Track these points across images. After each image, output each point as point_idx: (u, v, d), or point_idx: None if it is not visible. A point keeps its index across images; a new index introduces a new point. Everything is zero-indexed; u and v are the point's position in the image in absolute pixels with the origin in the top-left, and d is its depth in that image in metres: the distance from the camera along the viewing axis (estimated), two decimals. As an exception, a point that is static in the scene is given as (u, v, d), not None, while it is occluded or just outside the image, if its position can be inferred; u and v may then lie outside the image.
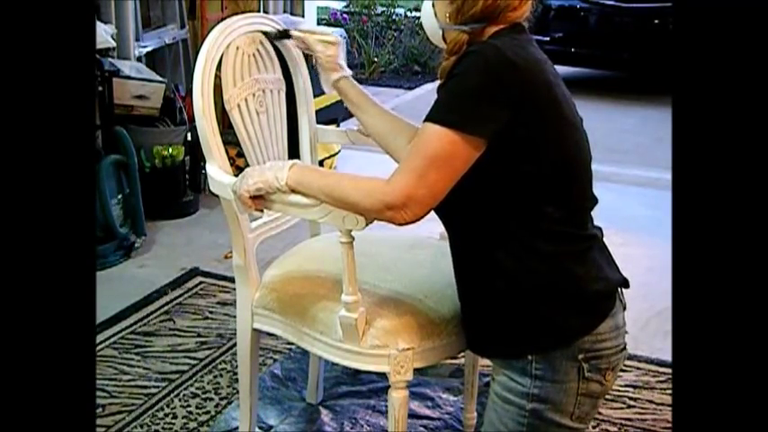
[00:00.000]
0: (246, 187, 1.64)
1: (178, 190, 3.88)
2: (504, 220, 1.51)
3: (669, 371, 2.59)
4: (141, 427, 2.30)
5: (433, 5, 1.59)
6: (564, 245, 1.52)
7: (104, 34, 3.56)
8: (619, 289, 1.59)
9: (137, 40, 4.00)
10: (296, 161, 1.68)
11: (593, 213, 1.62)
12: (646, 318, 2.87)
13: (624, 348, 1.58)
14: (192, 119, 3.45)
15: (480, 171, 1.46)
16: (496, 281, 1.53)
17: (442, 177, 1.45)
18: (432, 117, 1.45)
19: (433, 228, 1.67)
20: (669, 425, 2.34)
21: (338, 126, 3.80)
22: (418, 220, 1.49)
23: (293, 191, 1.61)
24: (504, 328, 1.55)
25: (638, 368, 2.62)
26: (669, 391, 2.50)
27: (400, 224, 1.49)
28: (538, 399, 1.52)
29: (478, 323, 1.62)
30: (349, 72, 1.95)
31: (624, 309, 1.59)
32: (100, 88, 3.45)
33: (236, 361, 2.43)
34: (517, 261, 1.51)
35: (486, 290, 1.56)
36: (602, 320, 1.52)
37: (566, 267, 1.52)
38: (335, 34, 1.99)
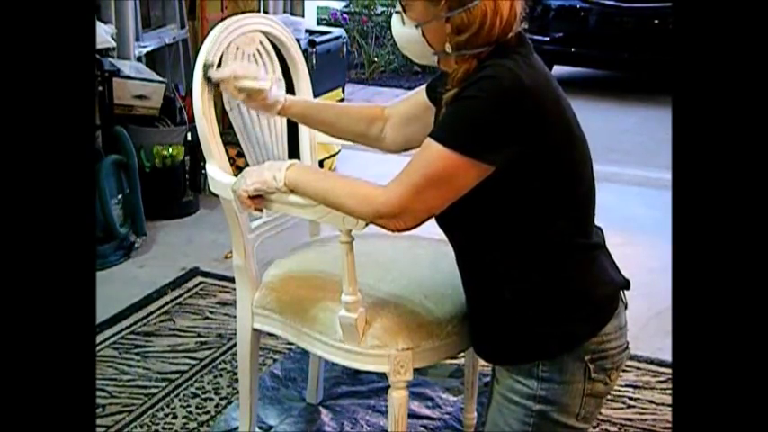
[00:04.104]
0: (245, 187, 1.64)
1: (178, 190, 3.88)
2: (513, 235, 1.51)
3: (669, 371, 2.59)
4: (141, 427, 2.30)
5: (424, 35, 1.53)
6: (573, 255, 1.53)
7: (104, 34, 3.56)
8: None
9: (137, 40, 4.00)
10: (294, 161, 1.68)
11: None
12: (646, 318, 2.87)
13: (627, 348, 1.59)
14: (191, 119, 3.45)
15: (489, 189, 1.46)
16: (505, 292, 1.53)
17: (440, 196, 1.45)
18: (439, 136, 1.43)
19: (433, 228, 1.67)
20: (669, 425, 2.33)
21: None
22: (411, 229, 1.49)
23: (291, 191, 1.61)
24: (514, 336, 1.55)
25: (638, 368, 2.62)
26: (669, 391, 2.50)
27: (393, 231, 1.50)
28: (544, 400, 1.52)
29: (487, 332, 1.62)
30: (279, 94, 1.83)
31: (626, 308, 1.59)
32: (100, 88, 3.45)
33: (236, 361, 2.42)
34: (528, 273, 1.51)
35: (494, 300, 1.56)
36: (607, 322, 1.53)
37: (575, 277, 1.53)
38: (263, 76, 1.83)
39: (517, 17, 1.49)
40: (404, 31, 1.57)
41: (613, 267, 1.60)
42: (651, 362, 2.66)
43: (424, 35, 1.53)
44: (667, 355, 2.66)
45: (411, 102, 1.80)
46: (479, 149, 1.41)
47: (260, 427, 2.28)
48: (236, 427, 2.23)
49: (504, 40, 1.48)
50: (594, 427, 2.33)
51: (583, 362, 1.51)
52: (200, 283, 3.19)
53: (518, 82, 1.41)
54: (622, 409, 2.43)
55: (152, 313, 2.94)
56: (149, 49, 4.15)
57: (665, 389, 2.53)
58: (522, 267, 1.52)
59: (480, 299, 1.61)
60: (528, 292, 1.52)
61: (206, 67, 1.82)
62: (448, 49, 1.50)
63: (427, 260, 1.92)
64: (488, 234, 1.53)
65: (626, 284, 1.59)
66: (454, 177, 1.43)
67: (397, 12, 1.57)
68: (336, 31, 5.40)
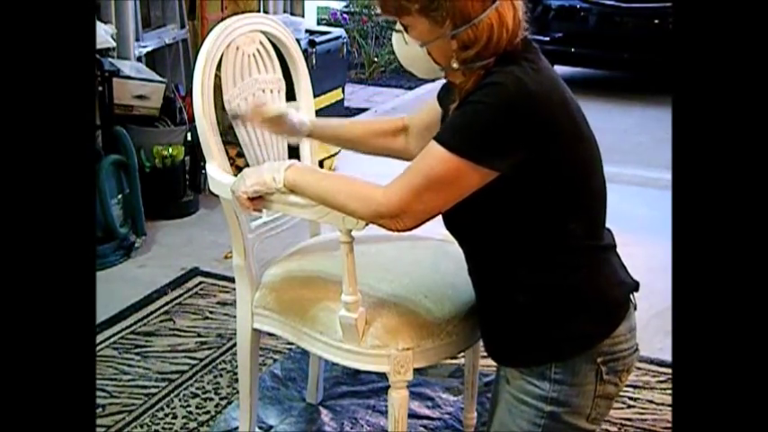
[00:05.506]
0: (244, 188, 1.64)
1: (178, 190, 3.88)
2: (527, 239, 1.50)
3: (669, 371, 2.59)
4: (141, 427, 2.30)
5: (429, 53, 1.51)
6: (586, 258, 1.53)
7: (104, 34, 3.55)
8: None
9: (137, 40, 4.00)
10: (294, 161, 1.68)
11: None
12: (646, 318, 2.86)
13: (637, 349, 1.59)
14: (191, 119, 3.45)
15: (499, 193, 1.45)
16: (519, 296, 1.53)
17: (441, 198, 1.45)
18: (442, 140, 1.43)
19: (433, 228, 1.67)
20: (669, 425, 2.33)
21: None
22: (411, 230, 1.49)
23: (290, 191, 1.61)
24: (527, 339, 1.55)
25: (639, 368, 2.62)
26: (669, 391, 2.50)
27: (393, 231, 1.50)
28: (556, 402, 1.52)
29: (500, 334, 1.62)
30: (302, 116, 1.89)
31: (635, 310, 1.59)
32: (100, 88, 3.45)
33: (236, 361, 2.42)
34: (541, 276, 1.51)
35: (507, 303, 1.56)
36: (619, 324, 1.53)
37: (588, 279, 1.53)
38: (280, 107, 1.90)
39: (521, 24, 1.48)
40: (408, 51, 1.55)
41: (623, 269, 1.60)
42: (651, 362, 2.66)
43: (429, 53, 1.51)
44: (667, 355, 2.66)
45: (427, 110, 1.79)
46: (482, 154, 1.41)
47: (260, 427, 2.28)
48: (236, 427, 2.23)
49: (516, 46, 1.47)
50: (594, 427, 2.33)
51: (595, 364, 1.51)
52: (200, 283, 3.19)
53: (523, 88, 1.40)
54: (622, 409, 2.43)
55: (152, 313, 2.94)
56: (149, 49, 4.15)
57: (665, 389, 2.53)
58: (534, 270, 1.51)
59: (492, 302, 1.60)
60: (541, 295, 1.51)
61: (232, 115, 1.88)
62: (455, 64, 1.48)
63: (427, 260, 1.92)
64: (500, 238, 1.53)
65: (636, 286, 1.60)
66: (456, 180, 1.43)
67: (397, 31, 1.55)
68: (336, 31, 5.40)
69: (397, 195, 1.45)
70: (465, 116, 1.43)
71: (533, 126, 1.41)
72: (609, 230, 1.61)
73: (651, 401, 2.48)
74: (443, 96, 1.70)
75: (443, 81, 1.67)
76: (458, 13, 1.44)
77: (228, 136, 2.03)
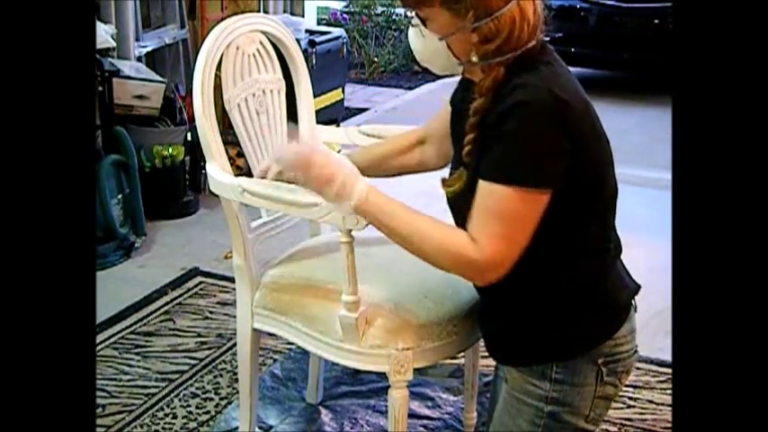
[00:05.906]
0: (314, 173, 1.48)
1: (178, 190, 3.88)
2: (549, 242, 1.48)
3: (669, 371, 2.59)
4: (141, 427, 2.30)
5: (448, 46, 1.48)
6: (601, 260, 1.53)
7: (104, 34, 3.56)
8: None
9: (137, 40, 4.01)
10: (367, 181, 1.52)
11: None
12: (646, 318, 2.86)
13: (636, 351, 1.59)
14: (192, 119, 3.45)
15: None
16: (532, 296, 1.52)
17: (525, 236, 1.42)
18: (501, 178, 1.39)
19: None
20: (669, 425, 2.34)
21: (338, 126, 3.80)
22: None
23: (357, 211, 1.50)
24: (534, 339, 1.54)
25: (639, 368, 2.62)
26: (669, 391, 2.50)
27: (476, 283, 1.49)
28: (556, 402, 1.52)
29: (505, 334, 1.60)
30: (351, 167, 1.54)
31: (635, 311, 1.59)
32: (100, 88, 3.45)
33: (236, 361, 2.43)
34: (557, 279, 1.50)
35: (518, 305, 1.55)
36: (622, 326, 1.53)
37: (599, 281, 1.53)
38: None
39: (540, 19, 1.47)
40: (425, 45, 1.51)
41: (625, 271, 1.61)
42: (651, 362, 2.66)
43: (448, 46, 1.49)
44: (667, 355, 2.66)
45: (441, 119, 1.75)
46: (542, 177, 1.39)
47: (260, 427, 2.28)
48: (236, 427, 2.23)
49: (529, 48, 1.46)
50: (594, 427, 2.33)
51: (596, 365, 1.51)
52: (200, 283, 3.19)
53: (551, 96, 1.39)
54: (622, 409, 2.43)
55: (152, 313, 2.94)
56: (149, 49, 4.15)
57: (665, 389, 2.53)
58: (551, 273, 1.50)
59: (501, 302, 1.59)
60: (556, 296, 1.51)
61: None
62: (474, 58, 1.46)
63: (427, 260, 1.91)
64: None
65: (637, 289, 1.60)
66: (531, 212, 1.40)
67: (414, 25, 1.52)
68: (336, 31, 5.40)
69: (492, 250, 1.41)
70: (512, 148, 1.40)
71: (568, 132, 1.40)
72: (615, 233, 1.61)
73: (651, 401, 2.48)
74: (456, 98, 1.66)
75: (444, 82, 1.66)
76: (481, 5, 1.42)
77: (228, 136, 2.03)
